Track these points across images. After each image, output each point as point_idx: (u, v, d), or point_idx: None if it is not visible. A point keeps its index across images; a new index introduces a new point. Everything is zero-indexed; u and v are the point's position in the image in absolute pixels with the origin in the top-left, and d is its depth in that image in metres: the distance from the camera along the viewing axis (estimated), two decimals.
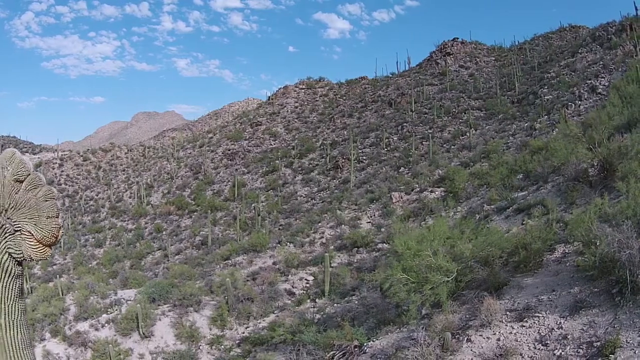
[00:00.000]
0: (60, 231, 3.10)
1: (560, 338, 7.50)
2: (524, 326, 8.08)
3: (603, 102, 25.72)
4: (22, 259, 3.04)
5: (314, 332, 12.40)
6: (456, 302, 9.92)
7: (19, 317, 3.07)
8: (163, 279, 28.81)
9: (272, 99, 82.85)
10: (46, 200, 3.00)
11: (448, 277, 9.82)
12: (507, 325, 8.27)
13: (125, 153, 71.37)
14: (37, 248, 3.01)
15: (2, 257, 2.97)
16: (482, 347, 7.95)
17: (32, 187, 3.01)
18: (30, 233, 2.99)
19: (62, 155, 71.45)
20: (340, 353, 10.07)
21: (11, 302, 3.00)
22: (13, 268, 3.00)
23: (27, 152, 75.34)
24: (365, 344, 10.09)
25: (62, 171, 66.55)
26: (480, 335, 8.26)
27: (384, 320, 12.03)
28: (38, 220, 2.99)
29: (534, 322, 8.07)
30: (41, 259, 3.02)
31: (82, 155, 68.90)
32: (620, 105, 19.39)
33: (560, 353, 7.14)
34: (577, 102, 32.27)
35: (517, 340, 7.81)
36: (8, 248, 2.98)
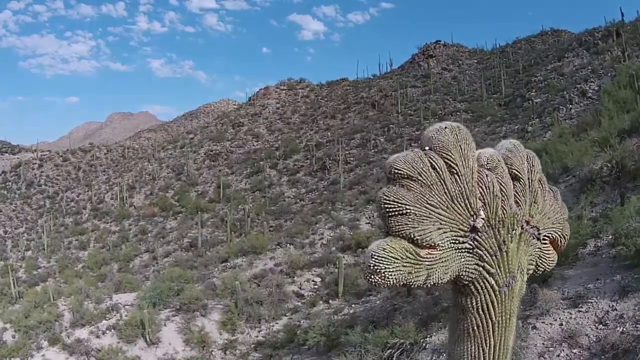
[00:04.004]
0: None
1: (617, 317, 8.42)
2: (581, 311, 8.92)
3: (595, 105, 26.94)
4: (534, 273, 2.45)
5: (359, 333, 12.62)
6: None
7: None
8: (161, 283, 28.31)
9: (253, 100, 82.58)
10: (556, 200, 2.52)
11: None
12: (564, 312, 9.07)
13: (105, 154, 70.19)
14: (554, 257, 2.49)
15: (522, 279, 2.28)
16: (548, 332, 8.69)
17: (544, 185, 2.44)
18: (550, 240, 2.44)
19: (41, 155, 69.77)
20: (398, 352, 10.47)
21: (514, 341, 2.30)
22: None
23: (6, 152, 73.26)
24: (422, 340, 10.53)
25: (42, 172, 64.97)
26: (542, 322, 9.01)
27: (428, 317, 12.45)
28: (564, 225, 2.47)
29: (589, 307, 8.91)
30: (551, 269, 2.57)
31: (61, 156, 67.43)
32: (615, 110, 20.51)
33: (622, 329, 8.07)
34: (568, 105, 33.51)
35: (578, 324, 8.62)
36: (534, 264, 2.37)
